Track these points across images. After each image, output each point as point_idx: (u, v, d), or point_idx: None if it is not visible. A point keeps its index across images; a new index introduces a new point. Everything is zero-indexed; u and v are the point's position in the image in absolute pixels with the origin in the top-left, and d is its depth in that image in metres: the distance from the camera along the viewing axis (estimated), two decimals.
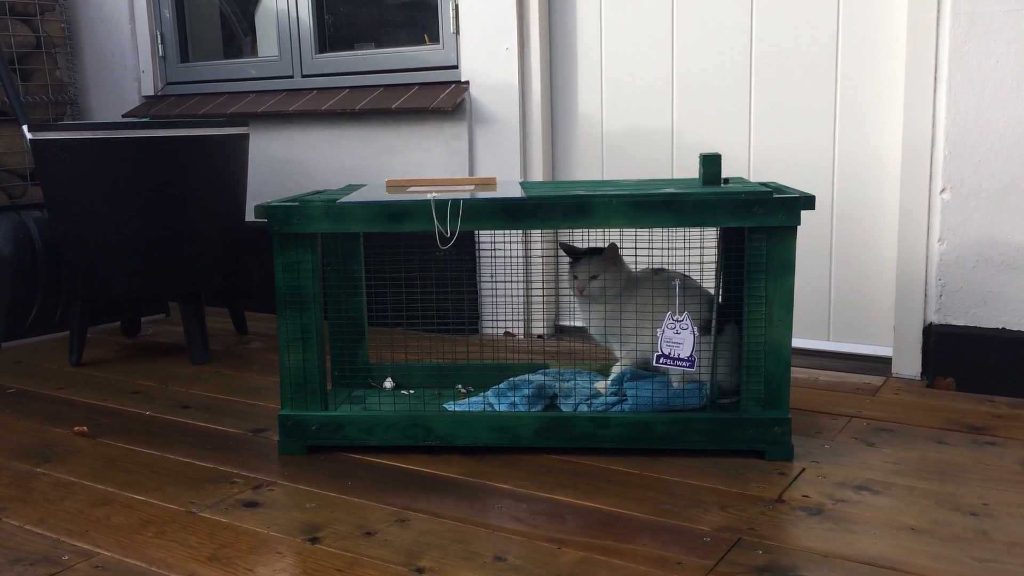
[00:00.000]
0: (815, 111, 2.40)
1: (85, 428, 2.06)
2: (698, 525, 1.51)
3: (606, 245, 1.96)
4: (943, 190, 2.15)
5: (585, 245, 2.02)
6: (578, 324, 2.11)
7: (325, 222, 1.78)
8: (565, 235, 2.59)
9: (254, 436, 2.00)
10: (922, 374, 2.26)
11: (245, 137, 2.71)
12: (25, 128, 2.69)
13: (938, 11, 2.11)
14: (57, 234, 2.60)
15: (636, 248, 1.90)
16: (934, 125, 2.15)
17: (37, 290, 2.88)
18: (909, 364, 2.27)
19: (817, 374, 2.33)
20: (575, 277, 1.97)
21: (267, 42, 3.35)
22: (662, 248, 1.90)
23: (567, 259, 2.02)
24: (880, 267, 2.37)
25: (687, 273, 1.94)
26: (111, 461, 1.88)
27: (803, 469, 1.73)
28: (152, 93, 3.43)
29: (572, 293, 2.01)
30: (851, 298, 2.42)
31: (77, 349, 2.63)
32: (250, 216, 3.07)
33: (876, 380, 2.27)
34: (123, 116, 3.43)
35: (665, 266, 1.95)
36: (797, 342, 2.46)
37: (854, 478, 1.69)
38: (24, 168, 3.39)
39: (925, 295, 2.22)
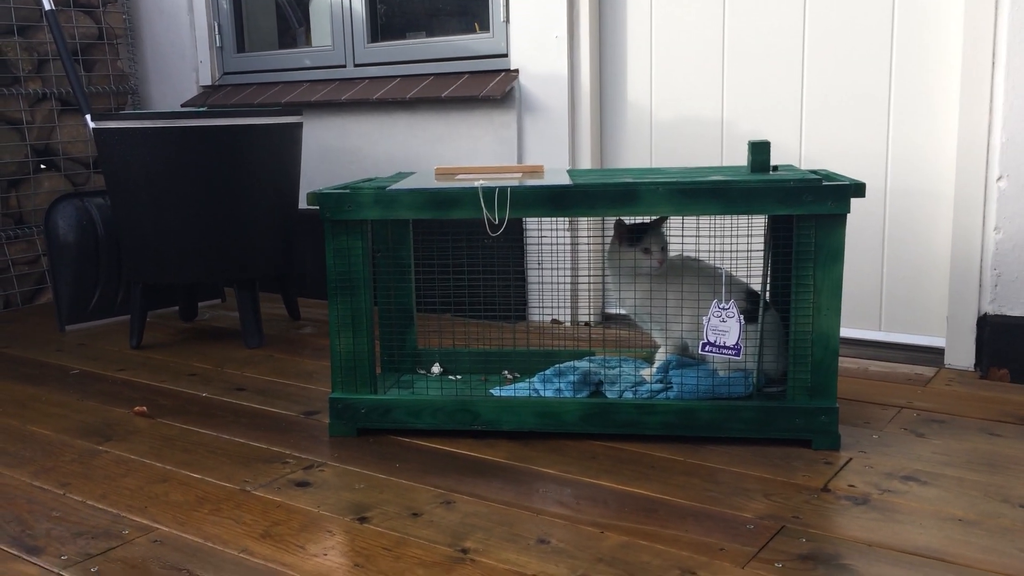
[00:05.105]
0: (868, 98, 2.36)
1: (145, 408, 2.13)
2: (742, 512, 1.52)
3: (651, 220, 1.91)
4: (1000, 178, 2.11)
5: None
6: (623, 311, 2.08)
7: (375, 209, 1.81)
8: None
9: (306, 418, 2.05)
10: (976, 365, 2.22)
11: (299, 126, 2.76)
12: (88, 117, 2.77)
13: None
14: (118, 220, 2.68)
15: (683, 236, 1.90)
16: (991, 111, 2.11)
17: (99, 275, 2.98)
18: (963, 355, 2.23)
19: (867, 364, 2.30)
20: (647, 251, 1.89)
21: (321, 32, 3.40)
22: (709, 236, 1.89)
23: (616, 237, 1.95)
24: (934, 256, 2.33)
25: (727, 262, 1.92)
26: (169, 440, 1.94)
27: (850, 459, 1.72)
28: (210, 83, 3.51)
29: (628, 272, 1.92)
30: (903, 288, 2.39)
31: (137, 333, 2.72)
32: (303, 203, 3.13)
33: (928, 371, 2.24)
34: (182, 105, 3.51)
35: (693, 254, 1.93)
36: (847, 332, 2.44)
37: (902, 468, 1.68)
38: (87, 156, 3.50)
39: (980, 285, 2.18)
